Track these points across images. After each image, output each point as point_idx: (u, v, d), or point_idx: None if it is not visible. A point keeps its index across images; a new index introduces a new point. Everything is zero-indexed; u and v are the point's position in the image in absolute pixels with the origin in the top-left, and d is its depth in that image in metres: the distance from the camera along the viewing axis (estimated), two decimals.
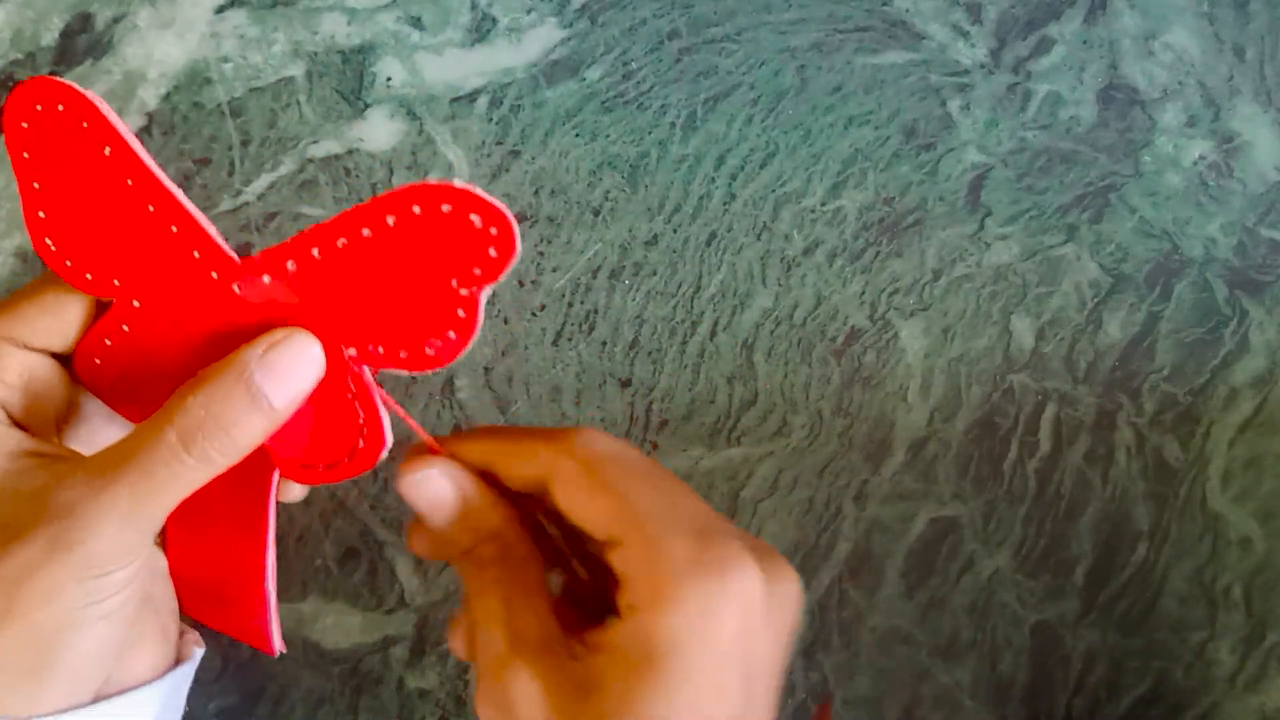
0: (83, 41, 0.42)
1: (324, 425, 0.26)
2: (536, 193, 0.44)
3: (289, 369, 0.24)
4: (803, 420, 0.45)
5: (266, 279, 0.25)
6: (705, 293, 0.45)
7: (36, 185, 0.25)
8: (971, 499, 0.46)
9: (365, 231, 0.23)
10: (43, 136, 0.24)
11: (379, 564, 0.43)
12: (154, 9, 0.42)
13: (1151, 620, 0.47)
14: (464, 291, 0.24)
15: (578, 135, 0.44)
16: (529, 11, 0.44)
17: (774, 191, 0.45)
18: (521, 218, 0.44)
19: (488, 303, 0.45)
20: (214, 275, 0.25)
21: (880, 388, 0.46)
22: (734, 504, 0.45)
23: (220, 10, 0.43)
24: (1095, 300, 0.47)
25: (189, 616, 0.31)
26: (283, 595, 0.42)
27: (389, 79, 0.43)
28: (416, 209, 0.23)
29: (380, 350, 0.25)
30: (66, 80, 0.24)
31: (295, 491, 0.30)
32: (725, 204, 0.45)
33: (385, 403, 0.26)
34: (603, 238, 0.44)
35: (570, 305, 0.44)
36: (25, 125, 0.24)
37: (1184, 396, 0.47)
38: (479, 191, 0.22)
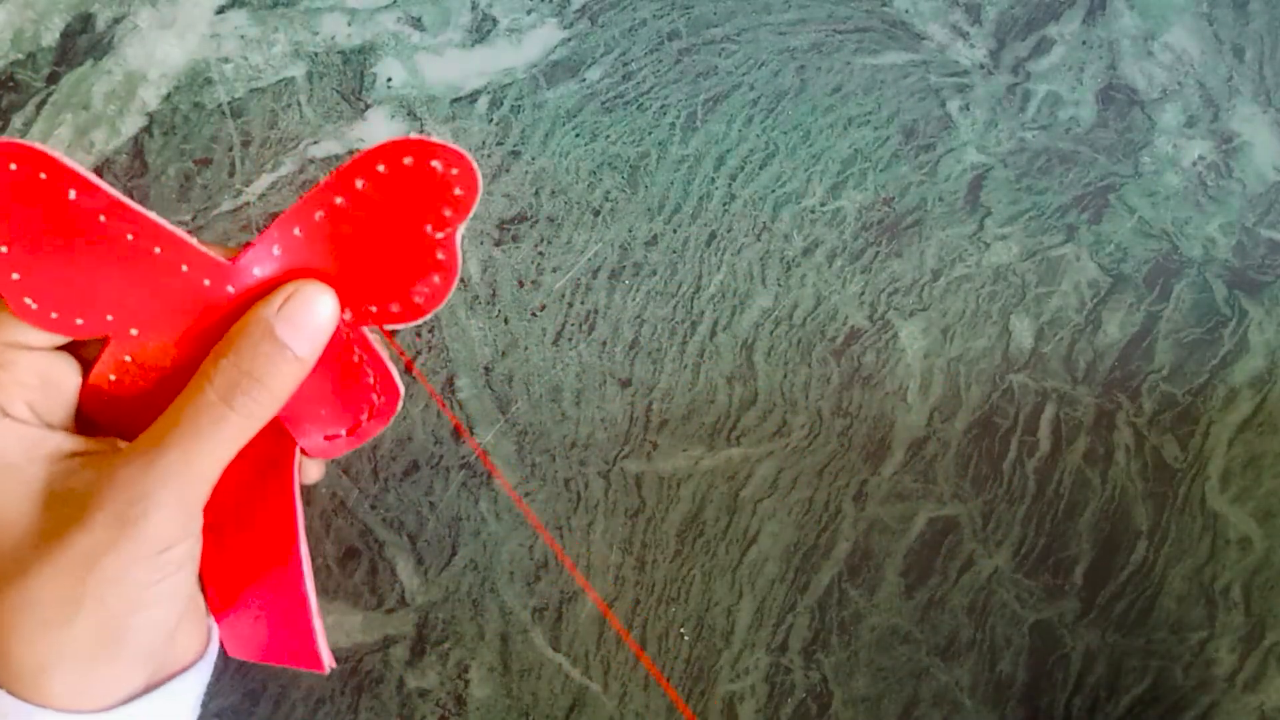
0: (83, 42, 0.42)
1: (338, 393, 0.27)
2: (536, 193, 0.44)
3: (306, 317, 0.26)
4: (802, 420, 0.45)
5: (257, 270, 0.25)
6: (705, 293, 0.45)
7: (4, 249, 0.24)
8: (971, 499, 0.46)
9: (338, 200, 0.25)
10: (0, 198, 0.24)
11: (379, 564, 0.43)
12: (155, 9, 0.42)
13: (1151, 620, 0.47)
14: (440, 235, 0.25)
15: (578, 135, 0.44)
16: (529, 12, 0.44)
17: (774, 192, 0.45)
18: (521, 218, 0.44)
19: (489, 302, 0.45)
20: (206, 283, 0.25)
21: (880, 388, 0.46)
22: (734, 504, 0.45)
23: (221, 11, 0.43)
24: (1094, 300, 0.47)
25: (231, 656, 0.31)
26: None
27: (389, 79, 0.43)
28: (381, 168, 0.24)
29: (374, 309, 0.27)
30: (7, 137, 0.24)
31: (313, 472, 0.31)
32: (725, 204, 0.45)
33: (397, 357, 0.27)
34: (603, 238, 0.44)
35: (570, 305, 0.44)
36: None
37: (1183, 396, 0.47)
38: (434, 138, 0.24)
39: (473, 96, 0.44)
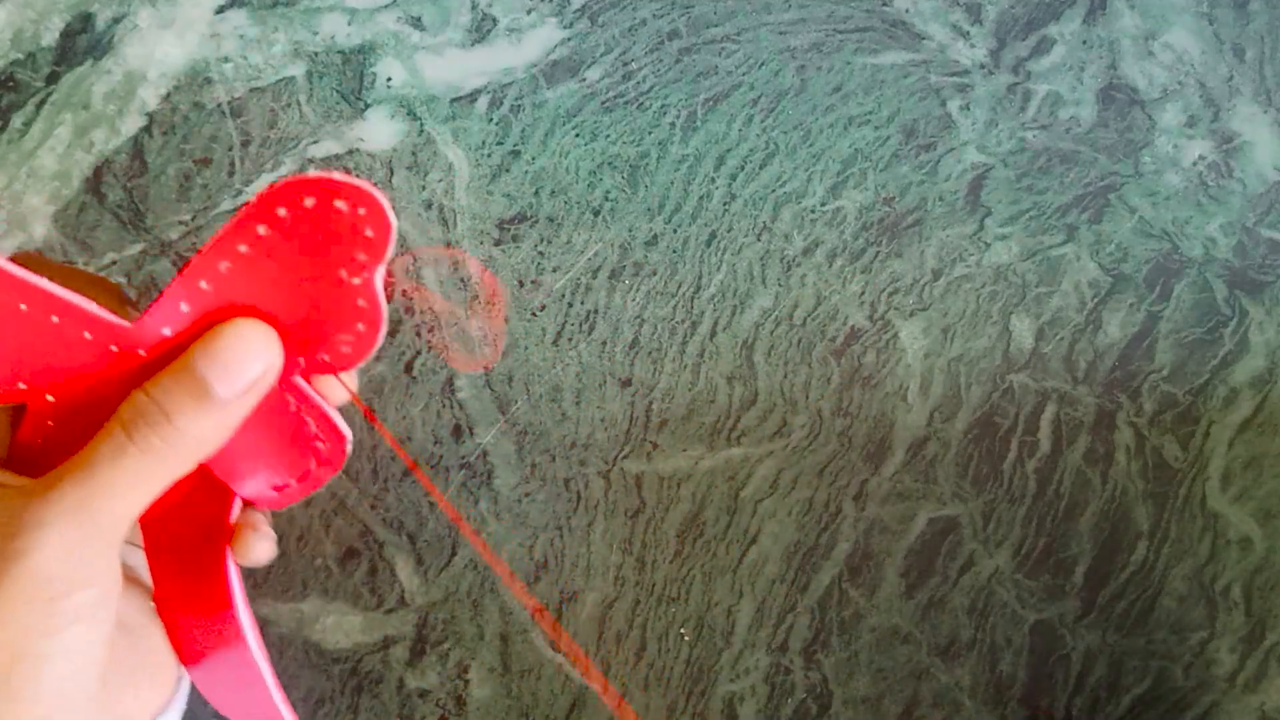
0: (83, 41, 0.42)
1: (278, 444, 0.26)
2: (536, 193, 0.44)
3: (231, 354, 0.24)
4: (803, 420, 0.45)
5: (166, 330, 0.24)
6: (705, 293, 0.45)
7: None
8: (971, 499, 0.46)
9: (242, 248, 0.23)
10: None
11: (379, 564, 0.43)
12: (154, 9, 0.42)
13: (1151, 620, 0.47)
14: (357, 280, 0.24)
15: (578, 135, 0.44)
16: (529, 12, 0.44)
17: (774, 191, 0.45)
18: (521, 218, 0.44)
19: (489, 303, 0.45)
20: (114, 348, 0.24)
21: (880, 388, 0.46)
22: (734, 504, 0.45)
23: (221, 10, 0.43)
24: (1095, 300, 0.47)
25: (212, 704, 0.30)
26: (283, 595, 0.42)
27: (389, 79, 0.43)
28: (282, 211, 0.22)
29: (301, 361, 0.25)
30: None
31: (260, 553, 0.28)
32: (725, 204, 0.45)
33: (350, 395, 0.26)
34: (603, 238, 0.44)
35: (570, 305, 0.44)
36: None
37: (1184, 396, 0.47)
38: (337, 176, 0.22)
39: (473, 96, 0.44)
